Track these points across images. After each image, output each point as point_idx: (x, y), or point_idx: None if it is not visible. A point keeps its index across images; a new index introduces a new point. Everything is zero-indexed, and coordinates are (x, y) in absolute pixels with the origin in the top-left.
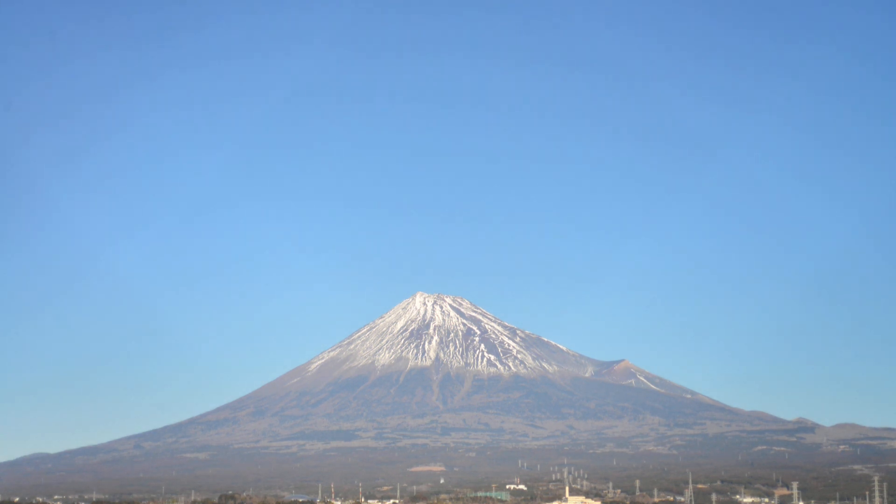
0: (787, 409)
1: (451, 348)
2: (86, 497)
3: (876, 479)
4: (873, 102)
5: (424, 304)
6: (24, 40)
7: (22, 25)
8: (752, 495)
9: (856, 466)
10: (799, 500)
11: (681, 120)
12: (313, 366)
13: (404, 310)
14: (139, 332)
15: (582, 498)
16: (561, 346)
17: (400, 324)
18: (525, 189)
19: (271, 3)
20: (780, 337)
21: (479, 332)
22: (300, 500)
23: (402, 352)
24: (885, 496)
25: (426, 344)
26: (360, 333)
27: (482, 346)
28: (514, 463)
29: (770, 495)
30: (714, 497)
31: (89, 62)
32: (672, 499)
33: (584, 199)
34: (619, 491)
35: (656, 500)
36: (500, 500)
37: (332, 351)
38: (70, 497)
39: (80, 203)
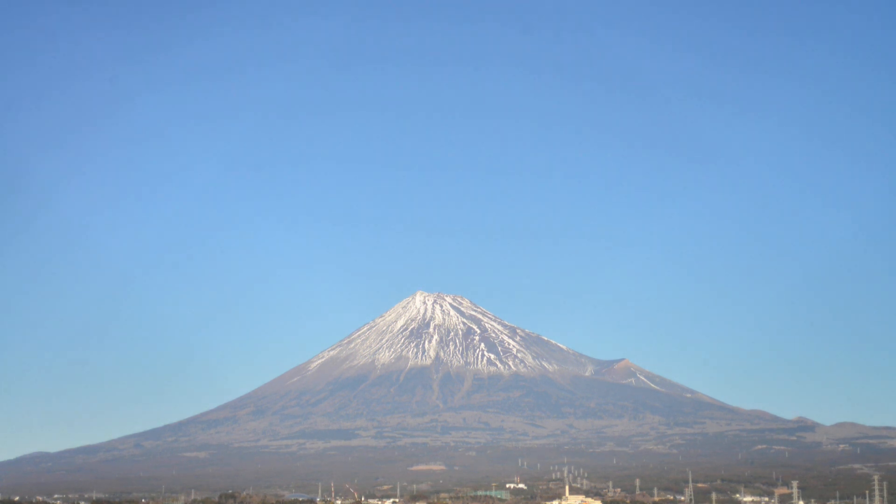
0: (786, 409)
1: (451, 347)
2: (86, 496)
3: (876, 478)
4: (876, 107)
5: (424, 303)
6: (27, 52)
7: (23, 38)
8: (752, 494)
9: (856, 465)
10: (799, 499)
11: (681, 121)
12: (313, 365)
13: (404, 309)
14: (139, 332)
15: (582, 497)
16: (561, 346)
17: (400, 323)
18: (525, 189)
19: (269, 17)
20: (780, 336)
21: (479, 332)
22: (300, 499)
23: (402, 351)
24: (885, 495)
25: (426, 343)
26: (360, 332)
27: (482, 346)
28: (514, 462)
29: (770, 494)
30: (714, 496)
31: (86, 74)
32: (672, 498)
33: (583, 198)
34: (619, 490)
35: (656, 499)
36: (500, 499)
37: (332, 350)
38: (70, 496)
39: (81, 205)
